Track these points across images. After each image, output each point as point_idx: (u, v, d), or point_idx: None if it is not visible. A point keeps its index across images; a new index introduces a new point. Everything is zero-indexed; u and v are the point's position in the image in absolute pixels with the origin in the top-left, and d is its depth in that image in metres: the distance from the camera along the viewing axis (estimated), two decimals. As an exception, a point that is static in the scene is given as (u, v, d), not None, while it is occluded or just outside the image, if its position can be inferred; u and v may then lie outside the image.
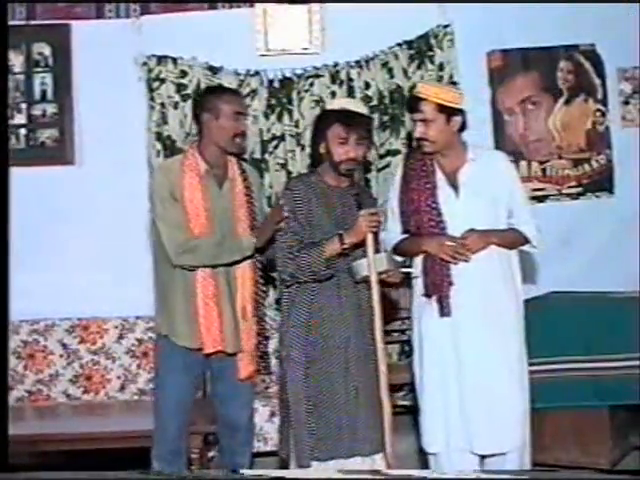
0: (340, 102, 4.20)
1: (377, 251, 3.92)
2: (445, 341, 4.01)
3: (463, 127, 4.08)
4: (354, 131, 3.94)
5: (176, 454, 4.22)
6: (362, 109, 4.09)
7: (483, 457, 4.04)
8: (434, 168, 4.07)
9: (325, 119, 4.04)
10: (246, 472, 3.47)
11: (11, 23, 5.48)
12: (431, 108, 3.98)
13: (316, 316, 3.94)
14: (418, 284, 4.11)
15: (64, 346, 5.38)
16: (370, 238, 3.85)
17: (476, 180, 4.04)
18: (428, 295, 4.04)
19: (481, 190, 4.03)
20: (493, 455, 4.02)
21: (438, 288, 4.01)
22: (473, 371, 3.97)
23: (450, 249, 3.95)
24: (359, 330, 3.95)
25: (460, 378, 3.99)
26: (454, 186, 4.05)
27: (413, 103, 4.06)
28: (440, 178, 4.06)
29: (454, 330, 3.99)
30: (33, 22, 5.56)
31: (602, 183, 5.73)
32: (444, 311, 4.00)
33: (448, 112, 3.99)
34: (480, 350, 3.97)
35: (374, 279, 3.84)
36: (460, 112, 4.03)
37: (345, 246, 3.87)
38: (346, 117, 3.96)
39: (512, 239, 4.10)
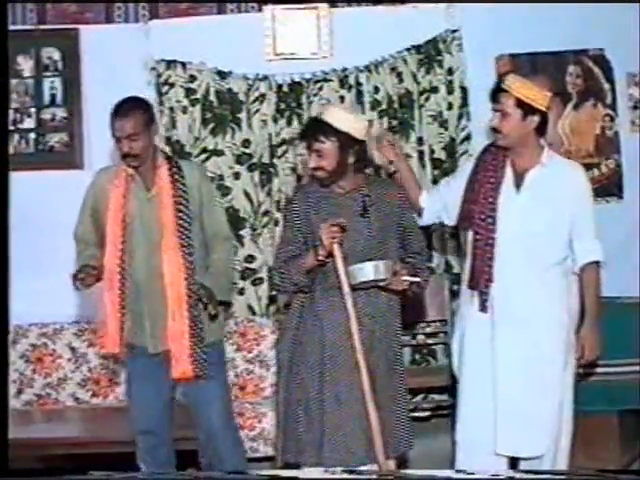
0: (329, 111, 4.04)
1: (345, 261, 3.85)
2: (482, 337, 4.03)
3: (542, 130, 4.04)
4: (306, 142, 3.95)
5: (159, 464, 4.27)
6: (331, 117, 3.91)
7: (516, 459, 4.05)
8: (505, 164, 4.07)
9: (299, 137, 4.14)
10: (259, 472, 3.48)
11: (20, 27, 5.53)
12: (510, 101, 3.95)
13: (305, 320, 3.96)
14: (466, 276, 4.16)
15: (73, 350, 5.39)
16: (336, 249, 3.82)
17: (542, 185, 4.02)
18: (470, 287, 4.09)
19: (544, 196, 4.01)
20: (528, 458, 4.02)
21: (477, 283, 4.04)
22: (503, 371, 3.98)
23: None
24: (349, 337, 3.88)
25: (493, 374, 4.00)
26: (518, 186, 4.05)
27: (495, 92, 4.04)
28: (508, 175, 4.06)
29: (492, 326, 4.01)
30: (43, 27, 5.57)
31: (611, 188, 5.72)
32: (481, 307, 4.03)
33: (526, 109, 3.95)
34: (513, 352, 3.97)
35: (346, 289, 3.82)
36: (540, 113, 3.98)
37: (319, 258, 3.86)
38: (304, 128, 4.03)
39: (598, 285, 4.12)
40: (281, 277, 3.97)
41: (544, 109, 4.00)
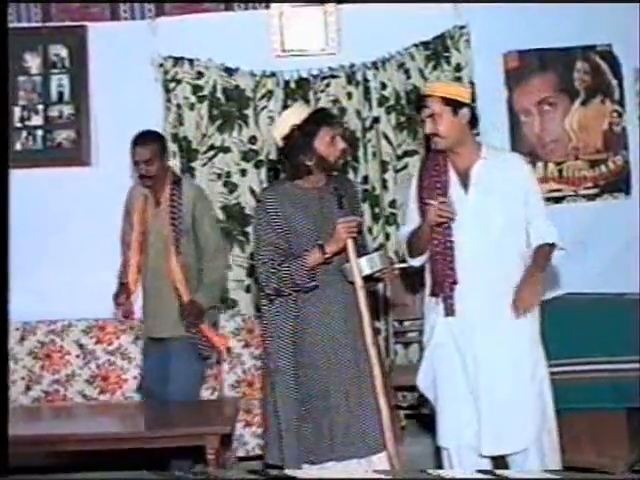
0: (300, 111, 4.07)
1: (359, 256, 3.89)
2: (452, 340, 4.02)
3: (474, 123, 4.09)
4: (337, 125, 4.03)
5: None
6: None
7: (502, 456, 4.05)
8: (447, 167, 4.08)
9: (307, 131, 3.95)
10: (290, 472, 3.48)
11: (27, 25, 5.54)
12: (437, 102, 4.01)
13: (302, 323, 3.94)
14: (427, 284, 4.13)
15: (80, 346, 5.39)
16: (350, 244, 3.85)
17: (488, 179, 4.03)
18: (434, 294, 4.07)
19: (493, 189, 4.02)
20: (512, 454, 4.03)
21: (441, 287, 4.02)
22: (480, 371, 3.98)
23: (433, 210, 3.95)
24: (349, 333, 3.93)
25: (468, 378, 4.00)
26: (465, 184, 4.05)
27: (420, 101, 4.11)
28: (452, 177, 4.07)
29: (460, 330, 4.00)
30: (49, 24, 5.57)
31: (618, 184, 5.71)
32: (448, 311, 4.02)
33: (454, 105, 4.01)
34: (487, 350, 3.97)
35: (359, 284, 3.84)
36: (466, 105, 4.04)
37: (327, 255, 3.88)
38: (326, 118, 4.01)
39: (546, 259, 4.06)
40: (280, 279, 3.91)
41: (470, 102, 4.07)
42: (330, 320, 3.93)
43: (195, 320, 4.79)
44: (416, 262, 4.19)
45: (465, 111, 4.03)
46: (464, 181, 4.05)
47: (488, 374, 3.97)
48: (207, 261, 4.86)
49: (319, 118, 3.99)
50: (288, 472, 3.42)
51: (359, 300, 3.84)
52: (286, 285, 3.91)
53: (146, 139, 4.84)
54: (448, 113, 4.00)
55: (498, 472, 3.36)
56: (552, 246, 4.07)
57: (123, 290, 4.90)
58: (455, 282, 4.00)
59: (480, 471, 3.57)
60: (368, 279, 3.93)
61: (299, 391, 3.92)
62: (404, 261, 4.02)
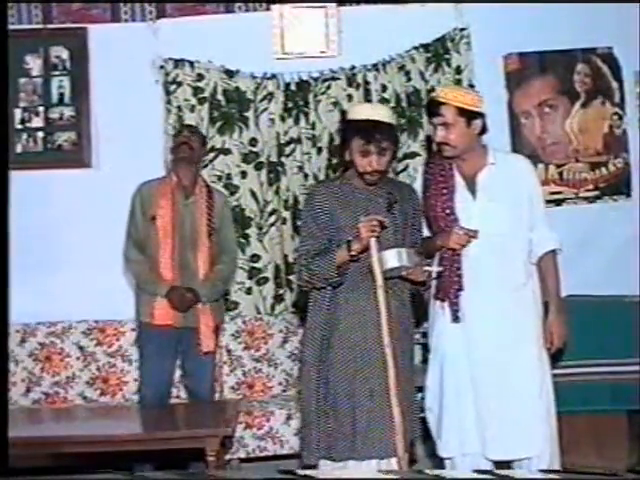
0: (362, 111, 4.02)
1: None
2: (458, 346, 4.01)
3: (483, 130, 4.05)
4: (375, 143, 3.86)
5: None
6: (385, 116, 3.96)
7: (507, 462, 4.04)
8: (453, 172, 4.06)
9: (348, 130, 3.96)
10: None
11: (28, 27, 5.54)
12: (451, 112, 3.95)
13: (333, 318, 3.94)
14: (433, 288, 4.12)
15: (81, 348, 5.39)
16: (373, 243, 3.83)
17: (495, 184, 4.02)
18: (439, 299, 4.06)
19: (500, 194, 4.00)
20: (513, 460, 4.02)
21: (447, 293, 4.02)
22: (487, 377, 3.97)
23: (457, 237, 3.95)
24: (379, 332, 3.93)
25: (474, 383, 3.99)
26: (472, 190, 4.04)
27: (433, 107, 4.03)
28: (459, 182, 4.05)
29: (467, 335, 3.99)
30: (50, 25, 5.58)
31: (619, 186, 5.72)
32: (454, 317, 4.01)
33: (468, 116, 3.95)
34: (494, 356, 3.96)
35: (379, 282, 3.83)
36: (480, 115, 4.00)
37: (352, 253, 3.86)
38: (366, 129, 3.87)
39: (556, 270, 4.12)
40: (311, 273, 3.92)
41: (482, 111, 4.01)
42: (361, 318, 3.92)
43: (182, 307, 4.76)
44: None
45: (478, 122, 3.98)
46: (471, 187, 4.04)
47: (493, 379, 3.96)
48: (223, 261, 4.91)
49: (358, 128, 3.90)
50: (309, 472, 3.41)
51: (378, 299, 3.83)
52: (316, 278, 3.91)
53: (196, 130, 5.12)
54: (462, 124, 3.95)
55: (498, 472, 3.34)
56: (554, 252, 4.10)
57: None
58: (461, 289, 3.99)
59: (480, 471, 3.55)
60: (404, 279, 3.93)
61: (321, 385, 3.92)
62: (430, 264, 3.99)
